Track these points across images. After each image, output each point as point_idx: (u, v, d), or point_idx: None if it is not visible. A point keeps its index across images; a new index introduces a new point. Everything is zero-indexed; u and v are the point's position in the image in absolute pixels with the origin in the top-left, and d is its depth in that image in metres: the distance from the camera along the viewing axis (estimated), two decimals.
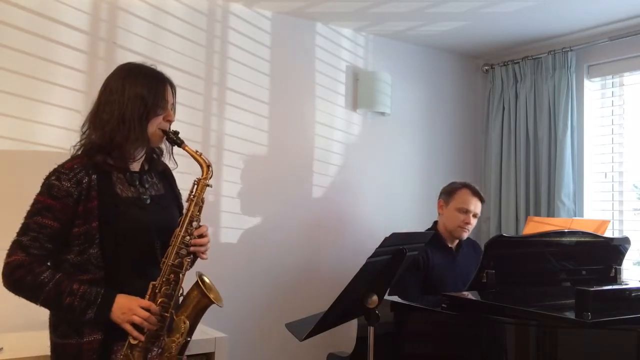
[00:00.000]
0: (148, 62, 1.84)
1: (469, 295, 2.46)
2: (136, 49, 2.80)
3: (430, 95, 3.85)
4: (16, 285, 1.61)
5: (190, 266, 1.76)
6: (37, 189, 1.69)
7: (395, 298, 2.63)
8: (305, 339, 1.97)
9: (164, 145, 1.88)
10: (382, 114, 3.58)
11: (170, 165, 1.93)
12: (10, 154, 2.53)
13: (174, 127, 1.84)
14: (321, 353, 2.82)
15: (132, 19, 2.81)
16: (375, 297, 1.97)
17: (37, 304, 1.62)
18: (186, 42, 2.96)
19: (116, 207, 1.68)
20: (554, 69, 3.51)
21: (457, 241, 2.99)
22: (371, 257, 1.89)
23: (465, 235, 2.95)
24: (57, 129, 2.62)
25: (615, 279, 2.61)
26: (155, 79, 1.77)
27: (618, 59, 3.37)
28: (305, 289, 3.27)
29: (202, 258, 1.78)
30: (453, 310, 2.30)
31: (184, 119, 2.92)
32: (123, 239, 1.68)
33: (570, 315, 2.05)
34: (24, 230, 1.64)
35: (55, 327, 1.69)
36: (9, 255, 1.62)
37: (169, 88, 1.79)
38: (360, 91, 3.49)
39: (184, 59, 2.94)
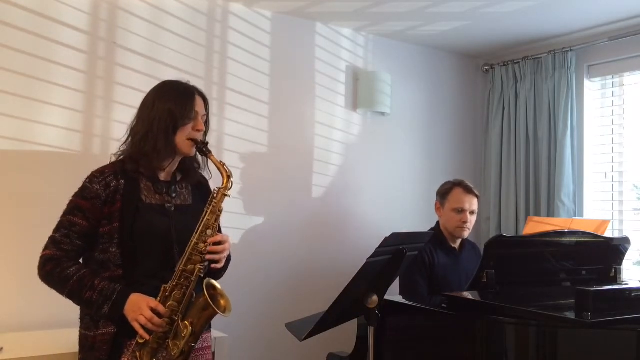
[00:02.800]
0: (184, 78, 1.92)
1: (469, 295, 2.46)
2: (136, 49, 2.80)
3: (430, 95, 3.85)
4: (47, 277, 1.74)
5: (204, 273, 1.79)
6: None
7: (396, 298, 2.63)
8: (305, 339, 1.97)
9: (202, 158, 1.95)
10: (382, 114, 3.58)
11: (205, 175, 2.00)
12: (10, 153, 2.53)
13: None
14: (321, 353, 2.82)
15: (132, 19, 2.80)
16: (375, 297, 1.97)
17: (64, 296, 1.73)
18: (186, 42, 2.96)
19: (137, 211, 1.78)
20: (554, 69, 3.51)
21: (459, 241, 3.00)
22: (371, 257, 1.89)
23: (466, 234, 2.95)
24: (57, 129, 2.62)
25: (615, 279, 2.61)
26: (184, 93, 1.85)
27: (618, 59, 3.37)
28: (305, 289, 3.27)
29: (215, 268, 1.83)
30: (453, 310, 2.30)
31: None
32: (140, 241, 1.76)
33: (570, 315, 2.05)
34: (58, 227, 1.77)
35: (81, 319, 1.80)
36: (44, 249, 1.75)
37: (198, 99, 1.86)
38: (360, 91, 3.49)
39: (184, 59, 2.94)
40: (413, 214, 3.67)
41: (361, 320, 2.52)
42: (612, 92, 3.52)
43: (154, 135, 1.78)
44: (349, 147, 3.50)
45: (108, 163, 1.86)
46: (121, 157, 1.86)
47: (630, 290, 2.15)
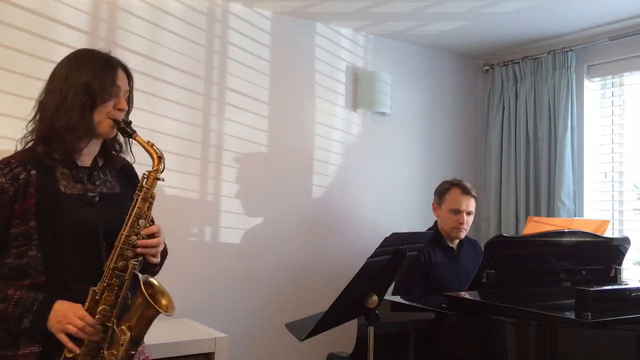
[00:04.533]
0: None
1: (469, 295, 2.46)
2: (136, 49, 2.80)
3: (430, 95, 3.85)
4: None
5: (138, 269, 1.56)
6: None
7: (396, 298, 2.63)
8: (305, 339, 1.97)
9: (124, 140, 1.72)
10: (382, 114, 3.57)
11: (128, 159, 1.76)
12: (9, 154, 2.52)
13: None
14: (321, 353, 2.82)
15: (132, 19, 2.80)
16: (375, 297, 1.96)
17: None
18: (186, 42, 2.95)
19: (57, 204, 1.51)
20: (554, 69, 3.51)
21: (457, 240, 3.00)
22: (371, 257, 1.89)
23: (462, 235, 2.95)
24: None
25: (615, 279, 2.61)
26: (105, 64, 1.60)
27: (618, 59, 3.37)
28: (305, 289, 3.27)
29: (152, 262, 1.59)
30: (453, 310, 2.30)
31: (184, 119, 2.93)
32: (64, 240, 1.51)
33: (570, 315, 2.05)
34: None
35: None
36: None
37: (121, 73, 1.62)
38: (360, 91, 3.49)
39: (184, 59, 2.94)
40: (413, 214, 3.67)
41: (361, 320, 2.52)
42: (612, 92, 3.52)
43: (67, 110, 1.53)
44: (349, 147, 3.50)
45: (14, 152, 1.59)
46: (30, 143, 1.58)
47: (630, 290, 2.15)
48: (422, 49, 3.81)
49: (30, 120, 1.61)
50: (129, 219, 1.55)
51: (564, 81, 3.45)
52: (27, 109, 2.54)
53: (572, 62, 3.45)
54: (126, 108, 1.64)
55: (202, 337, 2.40)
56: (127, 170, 1.74)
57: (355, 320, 2.51)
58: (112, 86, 1.58)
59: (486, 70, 3.95)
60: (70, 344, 1.45)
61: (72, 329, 1.44)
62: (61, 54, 2.61)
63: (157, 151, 1.61)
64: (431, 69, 3.85)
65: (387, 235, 1.93)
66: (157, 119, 2.82)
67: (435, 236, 2.91)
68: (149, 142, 1.62)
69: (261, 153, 3.19)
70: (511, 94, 3.76)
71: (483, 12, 3.17)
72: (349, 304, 1.97)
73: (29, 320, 1.44)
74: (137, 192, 1.58)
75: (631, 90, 3.41)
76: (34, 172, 1.51)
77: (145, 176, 1.60)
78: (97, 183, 1.63)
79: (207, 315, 2.83)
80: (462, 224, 2.90)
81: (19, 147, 1.62)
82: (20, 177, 1.50)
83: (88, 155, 1.63)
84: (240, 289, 3.07)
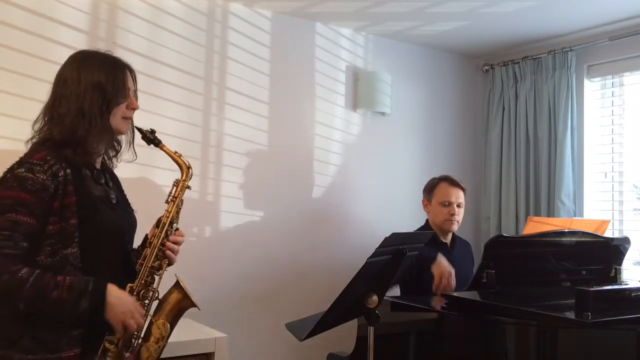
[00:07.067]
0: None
1: (469, 295, 2.46)
2: (136, 49, 2.80)
3: (430, 95, 3.85)
4: None
5: (165, 269, 1.70)
6: None
7: (396, 298, 2.63)
8: (305, 339, 1.97)
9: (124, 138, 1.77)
10: (382, 114, 3.57)
11: (130, 157, 1.80)
12: (9, 154, 2.52)
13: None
14: (321, 353, 2.82)
15: (131, 19, 2.80)
16: (375, 297, 1.96)
17: (17, 307, 1.45)
18: (186, 42, 2.95)
19: (94, 204, 1.57)
20: (554, 69, 3.51)
21: (450, 236, 3.00)
22: (371, 257, 1.89)
23: (455, 227, 2.97)
24: None
25: (615, 279, 2.61)
26: (113, 65, 1.65)
27: (618, 59, 3.37)
28: (305, 289, 3.27)
29: (172, 262, 1.72)
30: (453, 310, 2.30)
31: (184, 119, 2.93)
32: (100, 238, 1.58)
33: (571, 315, 2.05)
34: None
35: (11, 342, 1.48)
36: None
37: (128, 74, 1.67)
38: (360, 91, 3.49)
39: (184, 59, 2.94)
40: (413, 214, 3.65)
41: (361, 320, 2.52)
42: (612, 92, 3.52)
43: (86, 115, 1.56)
44: (349, 147, 3.50)
45: (30, 150, 1.60)
46: (46, 142, 1.58)
47: (630, 290, 2.15)
48: (422, 48, 3.81)
49: (43, 126, 1.61)
50: (164, 223, 1.68)
51: (564, 81, 3.45)
52: (27, 109, 2.55)
53: (572, 62, 3.45)
54: (138, 107, 1.70)
55: (202, 337, 2.40)
56: (113, 174, 1.79)
57: (355, 320, 2.51)
58: (125, 89, 1.64)
59: (486, 70, 3.95)
60: (121, 333, 1.53)
61: (133, 325, 1.53)
62: (61, 54, 2.62)
63: (186, 162, 1.76)
64: (431, 69, 3.85)
65: (387, 235, 1.93)
66: (157, 119, 2.81)
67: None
68: (176, 152, 1.76)
69: (261, 153, 3.19)
70: (511, 94, 3.76)
71: (483, 12, 3.17)
72: (349, 304, 1.97)
73: (87, 300, 1.46)
74: (171, 198, 1.72)
75: (631, 90, 3.41)
76: (69, 170, 1.54)
77: (175, 184, 1.74)
78: (110, 185, 1.70)
79: (207, 315, 2.83)
80: (453, 215, 2.92)
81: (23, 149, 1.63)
82: (59, 174, 1.52)
83: (100, 157, 1.69)
84: (240, 289, 3.07)
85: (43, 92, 2.59)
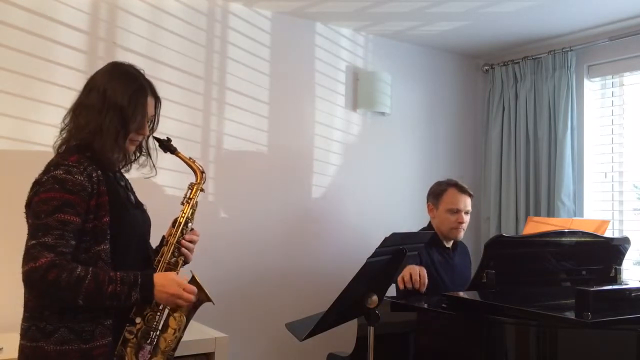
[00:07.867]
0: (143, 65, 1.82)
1: (469, 295, 2.46)
2: (136, 49, 2.80)
3: (430, 95, 3.85)
4: (54, 286, 1.51)
5: (181, 266, 1.82)
6: None
7: (396, 298, 2.63)
8: (305, 339, 1.97)
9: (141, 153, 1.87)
10: (382, 114, 3.57)
11: (151, 173, 1.89)
12: (9, 154, 2.53)
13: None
14: (321, 353, 2.82)
15: (131, 19, 2.80)
16: (375, 297, 1.96)
17: (76, 302, 1.54)
18: (186, 42, 2.95)
19: (123, 204, 1.71)
20: (554, 69, 3.51)
21: (452, 241, 2.99)
22: (371, 257, 1.89)
23: (461, 235, 2.91)
24: (57, 129, 2.59)
25: (615, 279, 2.61)
26: (139, 90, 1.71)
27: (618, 59, 3.37)
28: (305, 289, 3.27)
29: (188, 260, 1.85)
30: (453, 310, 2.30)
31: (184, 119, 2.93)
32: (130, 236, 1.71)
33: (571, 315, 2.05)
34: (44, 230, 1.54)
35: (47, 333, 1.58)
36: (35, 259, 1.51)
37: (150, 100, 1.74)
38: (360, 91, 3.49)
39: (184, 59, 2.94)
40: (413, 214, 3.66)
41: (361, 320, 2.52)
42: (612, 92, 3.52)
43: (103, 133, 1.64)
44: (349, 147, 3.50)
45: (59, 153, 1.69)
46: (72, 147, 1.68)
47: (630, 290, 2.15)
48: (422, 49, 3.81)
49: (68, 133, 1.71)
50: (179, 222, 1.81)
51: (564, 81, 3.45)
52: (27, 109, 2.55)
53: (572, 62, 3.45)
54: (146, 134, 1.78)
55: (202, 337, 2.40)
56: (124, 176, 1.87)
57: (355, 320, 2.51)
58: (144, 117, 1.72)
59: (486, 70, 3.95)
60: (179, 301, 1.69)
61: (188, 297, 1.68)
62: (61, 54, 2.63)
63: (200, 167, 1.89)
64: (431, 69, 3.85)
65: (387, 235, 1.93)
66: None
67: (432, 236, 2.90)
68: (190, 158, 1.88)
69: (261, 153, 3.20)
70: (511, 94, 3.76)
71: (483, 12, 3.17)
72: (349, 304, 1.97)
73: (137, 293, 1.59)
74: (186, 199, 1.84)
75: (631, 90, 3.41)
76: (100, 172, 1.65)
77: (190, 187, 1.86)
78: (128, 187, 1.81)
79: (207, 315, 2.83)
80: (461, 223, 2.86)
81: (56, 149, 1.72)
82: (94, 175, 1.62)
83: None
84: (241, 289, 3.07)
85: (43, 92, 2.61)
